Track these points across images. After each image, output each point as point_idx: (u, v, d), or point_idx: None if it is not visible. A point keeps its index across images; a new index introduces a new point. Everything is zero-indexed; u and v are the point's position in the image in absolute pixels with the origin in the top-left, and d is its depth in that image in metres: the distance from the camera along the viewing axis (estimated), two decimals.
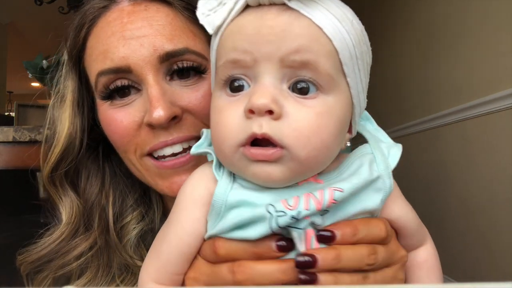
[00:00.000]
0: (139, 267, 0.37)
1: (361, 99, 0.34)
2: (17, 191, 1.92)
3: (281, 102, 0.26)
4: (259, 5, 0.27)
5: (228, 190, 0.27)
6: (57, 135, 0.43)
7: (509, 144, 1.38)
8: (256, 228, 0.26)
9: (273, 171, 0.26)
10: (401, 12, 2.41)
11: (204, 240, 0.31)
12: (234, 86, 0.28)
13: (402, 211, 0.32)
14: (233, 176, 0.29)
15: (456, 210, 1.77)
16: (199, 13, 0.29)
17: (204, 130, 0.32)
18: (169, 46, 0.39)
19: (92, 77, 0.40)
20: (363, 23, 0.35)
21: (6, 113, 4.72)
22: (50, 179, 0.47)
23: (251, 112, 0.25)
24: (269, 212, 0.26)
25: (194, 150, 0.31)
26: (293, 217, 0.26)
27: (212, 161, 0.30)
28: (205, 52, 0.40)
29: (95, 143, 0.45)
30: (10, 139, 1.13)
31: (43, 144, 0.47)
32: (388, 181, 0.32)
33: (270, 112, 0.25)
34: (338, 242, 0.28)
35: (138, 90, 0.40)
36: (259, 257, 0.27)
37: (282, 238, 0.27)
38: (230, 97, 0.28)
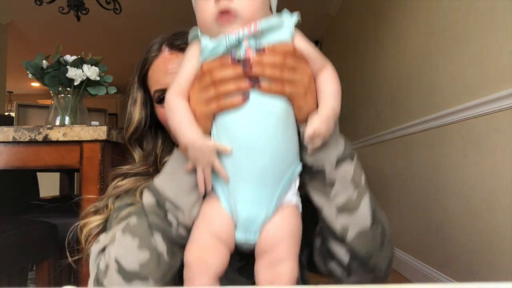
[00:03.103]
0: None
1: None
2: (17, 191, 1.92)
3: None
4: None
5: (207, 41, 0.50)
6: (132, 119, 0.76)
7: (509, 144, 1.38)
8: (220, 48, 0.48)
9: (231, 27, 0.48)
10: (401, 12, 2.42)
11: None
12: None
13: (303, 45, 0.51)
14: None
15: (456, 210, 1.77)
16: None
17: (193, 27, 0.54)
18: None
19: (152, 91, 0.73)
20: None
21: (6, 113, 4.72)
22: (129, 141, 0.77)
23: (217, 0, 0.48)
24: (226, 39, 0.48)
25: (190, 36, 0.54)
26: (237, 39, 0.48)
27: (196, 40, 0.53)
28: None
29: (153, 124, 0.77)
30: (10, 139, 1.13)
31: (125, 123, 0.77)
32: (291, 26, 0.51)
33: None
34: (264, 52, 0.49)
35: None
36: (224, 67, 0.49)
37: (237, 60, 0.49)
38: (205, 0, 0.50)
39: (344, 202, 0.55)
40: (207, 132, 0.50)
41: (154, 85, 0.71)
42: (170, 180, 0.54)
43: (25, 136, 1.13)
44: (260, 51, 0.49)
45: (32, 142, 1.13)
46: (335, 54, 4.20)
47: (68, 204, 1.79)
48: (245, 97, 0.48)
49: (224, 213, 0.51)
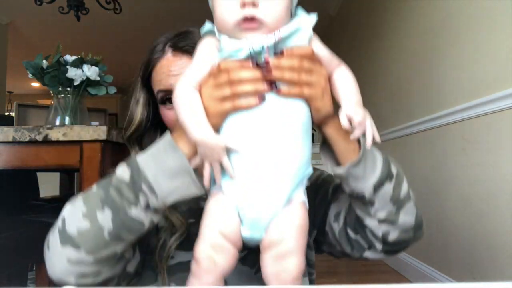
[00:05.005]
0: None
1: None
2: (17, 191, 1.92)
3: None
4: None
5: (228, 41, 0.49)
6: (134, 119, 0.75)
7: (509, 144, 1.38)
8: (242, 53, 0.48)
9: (255, 34, 0.48)
10: (401, 12, 2.42)
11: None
12: None
13: (319, 48, 0.53)
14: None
15: (456, 210, 1.77)
16: None
17: (207, 21, 0.53)
18: None
19: (155, 91, 0.73)
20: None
21: (6, 113, 4.72)
22: (128, 141, 0.76)
23: (243, 4, 0.47)
24: (250, 47, 0.48)
25: (203, 29, 0.53)
26: (260, 46, 0.47)
27: (210, 35, 0.52)
28: None
29: (155, 124, 0.77)
30: (10, 139, 1.13)
31: (126, 122, 0.77)
32: (309, 31, 0.52)
33: (253, 3, 0.47)
34: (283, 55, 0.49)
35: None
36: (243, 68, 0.49)
37: (256, 63, 0.49)
38: None
39: (384, 216, 0.60)
40: (217, 128, 0.50)
41: (158, 86, 0.72)
42: (153, 161, 0.53)
43: (25, 136, 1.13)
44: (278, 54, 0.49)
45: (32, 142, 1.13)
46: (335, 54, 4.20)
47: None
48: (261, 99, 0.48)
49: (231, 211, 0.50)
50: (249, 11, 0.47)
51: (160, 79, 0.71)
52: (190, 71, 0.51)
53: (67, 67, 1.40)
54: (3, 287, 1.26)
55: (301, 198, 0.52)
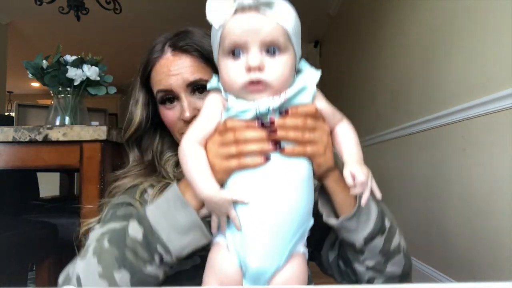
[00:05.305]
0: (172, 179, 0.72)
1: (298, 52, 0.54)
2: (17, 191, 1.92)
3: (263, 62, 0.49)
4: (243, 10, 0.49)
5: (235, 101, 0.51)
6: (133, 120, 0.75)
7: (509, 144, 1.38)
8: (248, 114, 0.50)
9: (261, 96, 0.50)
10: (401, 12, 2.42)
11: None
12: (234, 54, 0.51)
13: (322, 105, 0.54)
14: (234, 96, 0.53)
15: (456, 209, 1.77)
16: (209, 16, 0.50)
17: (214, 75, 0.56)
18: (191, 78, 0.70)
19: (154, 91, 0.73)
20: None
21: (6, 113, 4.72)
22: (127, 142, 0.77)
23: (249, 68, 0.49)
24: (256, 109, 0.50)
25: (210, 85, 0.55)
26: (266, 108, 0.50)
27: (216, 91, 0.54)
28: (210, 78, 0.60)
29: (155, 124, 0.78)
30: (10, 139, 1.13)
31: (125, 123, 0.77)
32: (313, 89, 0.53)
33: (259, 68, 0.49)
34: (287, 114, 0.51)
35: (177, 100, 0.72)
36: (249, 128, 0.51)
37: (261, 122, 0.51)
38: (233, 60, 0.51)
39: (372, 265, 0.62)
40: (222, 183, 0.52)
41: (157, 86, 0.71)
42: (164, 218, 0.54)
43: (25, 136, 1.13)
44: (283, 112, 0.51)
45: (32, 142, 1.13)
46: (335, 54, 4.21)
47: (68, 204, 1.78)
48: (267, 158, 0.50)
49: (233, 263, 0.52)
50: (255, 75, 0.49)
51: (159, 79, 0.71)
52: (196, 127, 0.54)
53: (67, 67, 1.40)
54: (3, 287, 1.26)
55: (302, 249, 0.54)
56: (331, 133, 0.56)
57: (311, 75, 0.53)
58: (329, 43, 4.59)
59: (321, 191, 0.62)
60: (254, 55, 0.49)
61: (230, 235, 0.52)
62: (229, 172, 0.51)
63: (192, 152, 0.52)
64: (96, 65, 1.45)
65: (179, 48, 0.71)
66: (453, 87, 1.79)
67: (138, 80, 0.76)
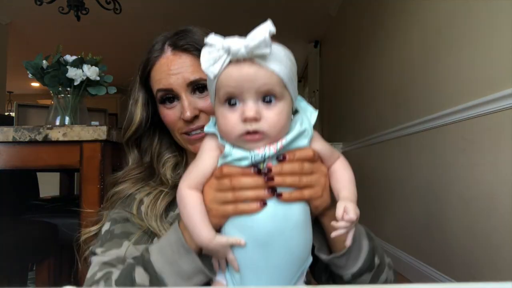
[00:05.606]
0: (169, 184, 0.73)
1: (294, 96, 0.54)
2: (17, 191, 1.92)
3: (259, 111, 0.49)
4: (237, 61, 0.49)
5: (231, 149, 0.51)
6: (133, 120, 0.75)
7: (509, 144, 1.38)
8: (244, 162, 0.50)
9: (258, 145, 0.50)
10: (401, 12, 2.42)
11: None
12: (231, 103, 0.51)
13: (319, 146, 0.54)
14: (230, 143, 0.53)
15: (456, 210, 1.77)
16: (203, 66, 0.50)
17: (211, 118, 0.56)
18: (191, 77, 0.70)
19: (154, 91, 0.73)
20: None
21: (6, 113, 4.72)
22: (126, 143, 0.77)
23: (245, 119, 0.49)
24: (252, 157, 0.50)
25: (207, 129, 0.55)
26: (261, 156, 0.50)
27: (214, 135, 0.54)
28: None
29: (154, 124, 0.78)
30: (10, 139, 1.13)
31: (125, 123, 0.77)
32: (310, 131, 0.53)
33: (255, 118, 0.49)
34: (285, 159, 0.51)
35: (178, 99, 0.72)
36: (245, 175, 0.51)
37: (257, 169, 0.51)
38: (229, 109, 0.51)
39: None
40: (220, 226, 0.53)
41: (157, 85, 0.71)
42: (168, 266, 0.55)
43: (25, 136, 1.13)
44: (280, 158, 0.51)
45: (32, 142, 1.13)
46: (335, 54, 4.20)
47: (68, 204, 1.78)
48: (263, 204, 0.50)
49: None
50: (251, 126, 0.49)
51: (159, 78, 0.71)
52: (193, 172, 0.54)
53: (67, 67, 1.40)
54: (3, 287, 1.26)
55: (302, 286, 0.55)
56: (328, 170, 0.56)
57: (308, 116, 0.54)
58: (329, 43, 4.59)
59: (315, 223, 0.62)
60: (250, 106, 0.49)
61: (230, 277, 0.53)
62: (226, 216, 0.51)
63: (188, 199, 0.52)
64: (96, 65, 1.45)
65: (179, 47, 0.70)
66: (453, 87, 1.79)
67: (138, 80, 0.76)
